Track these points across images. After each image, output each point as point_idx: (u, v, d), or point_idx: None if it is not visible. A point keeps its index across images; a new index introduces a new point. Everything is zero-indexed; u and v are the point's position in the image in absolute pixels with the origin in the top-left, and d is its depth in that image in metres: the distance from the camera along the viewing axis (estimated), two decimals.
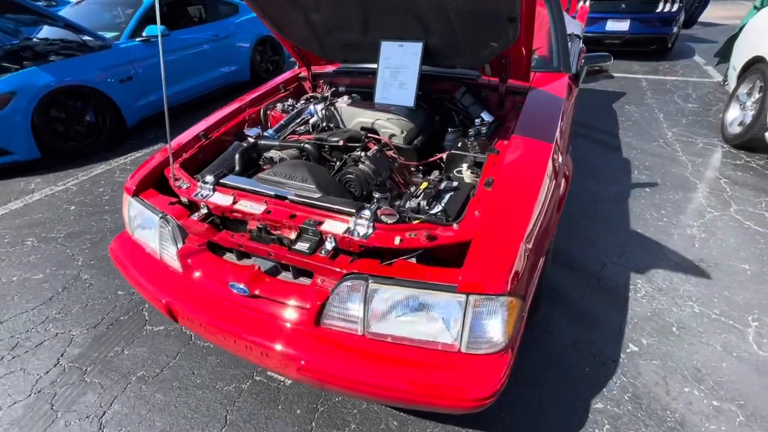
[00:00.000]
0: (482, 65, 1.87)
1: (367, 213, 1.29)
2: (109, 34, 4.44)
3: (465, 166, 1.59)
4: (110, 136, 4.30)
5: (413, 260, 1.26)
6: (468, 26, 1.66)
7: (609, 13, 6.78)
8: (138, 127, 4.61)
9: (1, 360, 1.95)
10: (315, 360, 1.18)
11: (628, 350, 1.86)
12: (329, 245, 1.30)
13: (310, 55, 2.30)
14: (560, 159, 1.66)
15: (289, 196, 1.44)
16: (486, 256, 1.12)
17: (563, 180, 1.70)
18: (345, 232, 1.27)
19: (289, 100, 2.26)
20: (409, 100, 1.95)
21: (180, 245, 1.49)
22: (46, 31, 4.61)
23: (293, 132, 2.02)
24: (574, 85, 2.39)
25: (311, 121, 2.10)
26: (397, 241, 1.21)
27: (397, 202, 1.42)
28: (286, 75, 2.51)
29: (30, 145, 3.71)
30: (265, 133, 1.98)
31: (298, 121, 2.09)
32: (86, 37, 4.16)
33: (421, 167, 1.88)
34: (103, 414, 1.69)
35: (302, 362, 1.18)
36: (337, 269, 1.22)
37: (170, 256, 1.50)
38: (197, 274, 1.44)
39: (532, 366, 1.79)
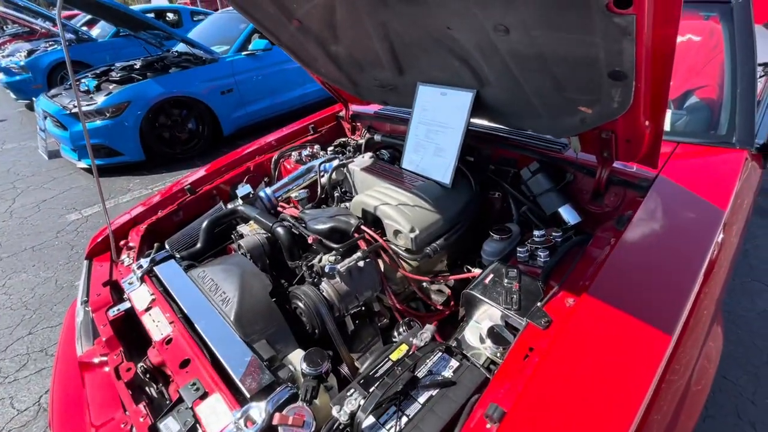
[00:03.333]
0: (565, 136, 1.12)
1: (256, 413, 0.74)
2: (222, 48, 4.71)
3: (486, 326, 0.89)
4: (206, 144, 4.55)
5: None
6: (539, 78, 0.95)
7: None
8: (233, 136, 4.81)
9: (5, 379, 1.98)
10: None
11: None
12: None
13: (344, 93, 1.81)
14: (697, 347, 0.83)
15: (197, 325, 0.98)
16: None
17: (695, 387, 0.86)
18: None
19: (309, 147, 1.80)
20: (444, 174, 1.31)
21: (86, 347, 1.16)
22: (179, 45, 5.16)
23: (289, 197, 1.56)
24: (759, 166, 1.39)
25: (322, 181, 1.61)
26: None
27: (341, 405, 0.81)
28: (324, 112, 2.08)
29: (137, 148, 4.10)
30: (261, 192, 1.57)
31: (304, 179, 1.63)
32: (198, 51, 4.46)
33: (441, 281, 1.23)
34: None
35: None
36: None
37: (78, 357, 1.19)
38: (87, 396, 1.09)
39: None
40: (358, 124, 1.93)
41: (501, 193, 1.41)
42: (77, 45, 7.00)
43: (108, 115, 3.91)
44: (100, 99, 3.93)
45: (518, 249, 1.04)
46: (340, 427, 0.73)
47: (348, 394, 0.77)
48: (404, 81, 1.43)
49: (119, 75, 4.31)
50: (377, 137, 1.77)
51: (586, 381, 0.71)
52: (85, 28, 7.73)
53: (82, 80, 4.50)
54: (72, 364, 1.22)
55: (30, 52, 6.85)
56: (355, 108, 1.94)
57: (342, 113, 2.00)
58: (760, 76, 2.19)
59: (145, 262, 1.22)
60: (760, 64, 2.33)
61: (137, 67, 4.53)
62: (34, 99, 4.53)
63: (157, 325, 1.04)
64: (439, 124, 1.34)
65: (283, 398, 0.78)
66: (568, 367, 0.73)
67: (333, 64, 1.54)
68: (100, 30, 7.62)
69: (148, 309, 1.09)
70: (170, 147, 4.35)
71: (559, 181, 1.25)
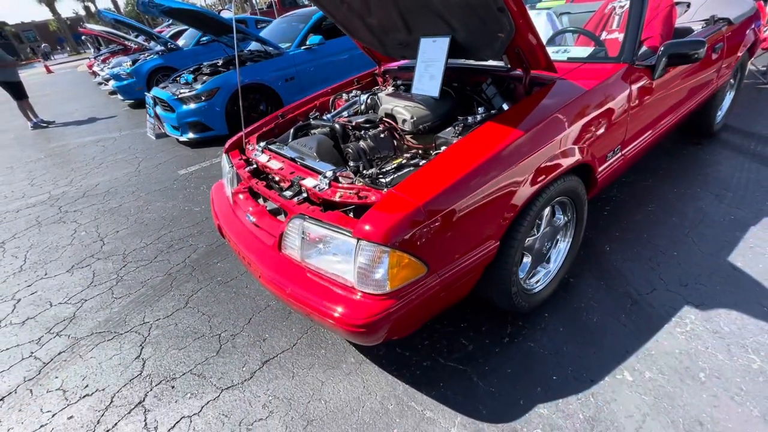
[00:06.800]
0: (500, 57, 1.91)
1: (329, 174, 1.63)
2: (285, 44, 5.82)
3: (443, 148, 1.72)
4: None
5: (351, 214, 1.54)
6: (474, 20, 1.76)
7: None
8: None
9: (161, 252, 3.09)
10: (268, 275, 1.61)
11: (619, 377, 1.62)
12: (303, 195, 1.70)
13: (377, 53, 2.69)
14: (544, 151, 1.60)
15: (297, 159, 1.90)
16: (382, 211, 1.32)
17: (550, 173, 1.63)
18: (313, 186, 1.65)
19: (354, 91, 2.71)
20: (434, 90, 2.13)
21: (234, 187, 2.14)
22: (251, 44, 6.37)
23: (340, 116, 2.47)
24: (648, 78, 2.07)
25: (361, 108, 2.51)
26: (337, 196, 1.52)
27: (368, 171, 1.70)
28: (366, 72, 2.97)
29: (223, 124, 5.29)
30: (325, 117, 2.49)
31: (351, 107, 2.53)
32: (269, 48, 5.59)
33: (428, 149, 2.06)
34: (191, 296, 2.54)
35: (260, 274, 1.63)
36: (296, 211, 1.61)
37: (229, 194, 2.17)
38: (238, 206, 2.06)
39: (498, 356, 1.78)
40: (387, 76, 2.80)
41: (476, 107, 2.21)
42: (168, 54, 8.57)
43: (203, 98, 5.12)
44: (197, 87, 5.17)
45: (468, 118, 1.86)
46: (365, 173, 1.60)
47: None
48: (412, 38, 2.27)
49: (209, 70, 5.55)
50: (398, 82, 2.63)
51: (468, 150, 1.52)
52: (171, 41, 9.34)
53: (182, 75, 5.82)
54: (224, 202, 2.20)
55: (134, 62, 8.52)
56: (385, 66, 2.82)
57: (377, 71, 2.89)
58: (702, 27, 2.80)
59: (262, 143, 2.18)
60: (704, 20, 2.94)
61: (220, 64, 5.78)
62: (147, 94, 5.90)
63: (274, 164, 1.97)
64: (432, 60, 2.17)
65: (341, 171, 1.66)
66: (466, 145, 1.54)
67: (369, 31, 2.42)
68: (184, 41, 9.19)
69: (268, 161, 2.04)
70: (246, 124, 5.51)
71: (501, 88, 2.03)
